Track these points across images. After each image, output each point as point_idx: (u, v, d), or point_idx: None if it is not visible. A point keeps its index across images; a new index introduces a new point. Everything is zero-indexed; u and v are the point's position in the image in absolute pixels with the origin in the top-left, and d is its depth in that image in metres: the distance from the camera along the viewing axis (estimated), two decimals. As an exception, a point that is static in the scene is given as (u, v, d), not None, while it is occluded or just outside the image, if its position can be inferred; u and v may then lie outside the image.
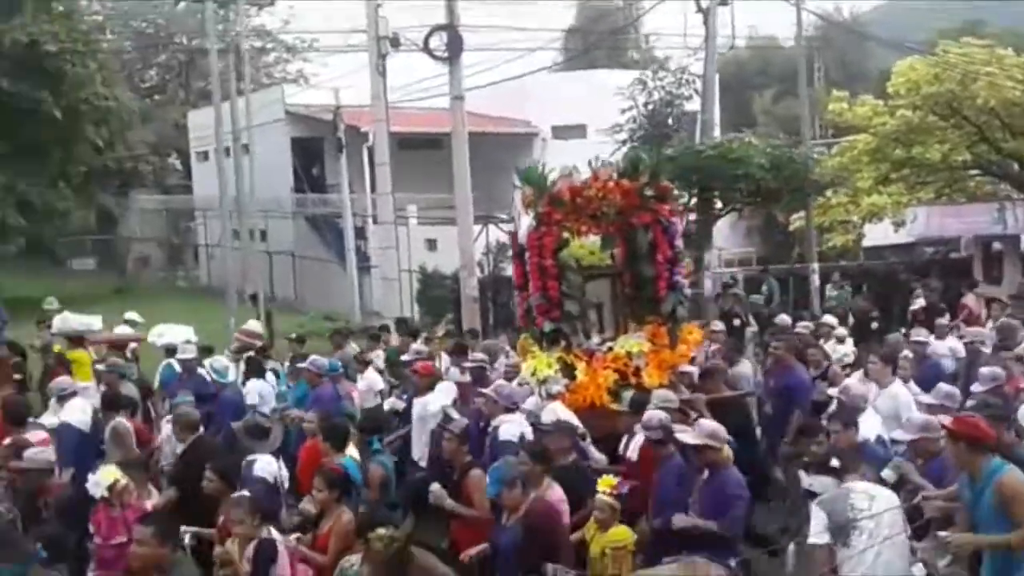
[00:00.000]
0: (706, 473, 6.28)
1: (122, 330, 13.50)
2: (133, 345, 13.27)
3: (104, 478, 6.46)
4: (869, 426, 7.14)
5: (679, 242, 9.06)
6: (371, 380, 10.80)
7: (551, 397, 7.98)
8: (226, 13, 24.14)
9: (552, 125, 28.33)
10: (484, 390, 8.34)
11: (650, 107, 18.34)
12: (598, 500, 6.15)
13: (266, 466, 7.21)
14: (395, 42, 18.69)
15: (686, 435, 6.44)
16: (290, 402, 10.20)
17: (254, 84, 29.76)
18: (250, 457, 7.26)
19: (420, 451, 8.79)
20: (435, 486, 6.75)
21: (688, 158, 17.26)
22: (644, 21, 37.09)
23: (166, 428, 8.76)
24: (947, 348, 10.85)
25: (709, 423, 6.49)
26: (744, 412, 8.56)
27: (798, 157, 18.28)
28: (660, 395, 7.59)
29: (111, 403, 9.00)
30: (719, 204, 18.57)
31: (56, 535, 6.44)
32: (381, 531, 5.28)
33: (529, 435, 7.50)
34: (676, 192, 9.38)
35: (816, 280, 20.43)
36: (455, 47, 18.18)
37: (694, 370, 8.94)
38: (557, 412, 7.61)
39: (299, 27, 36.20)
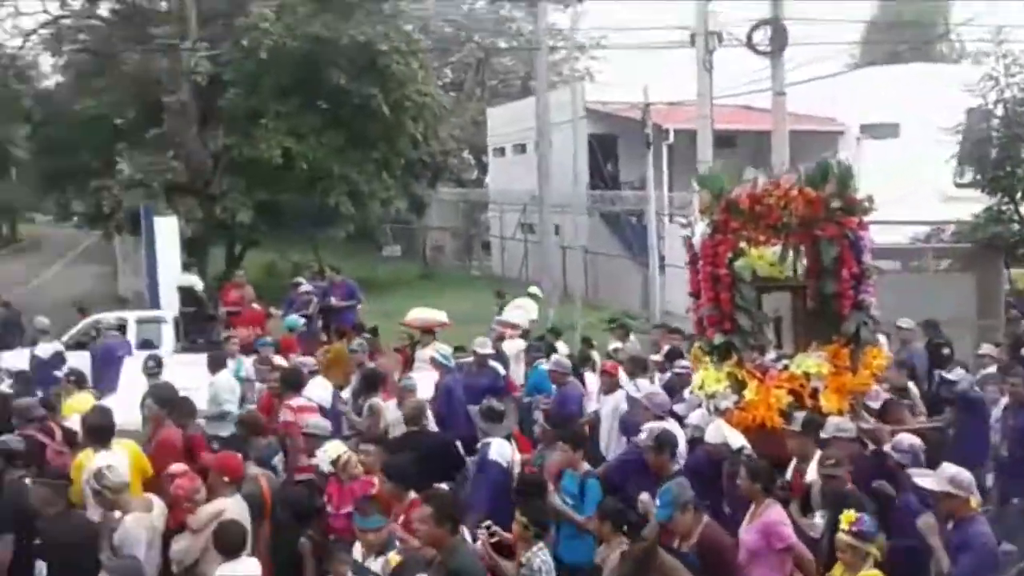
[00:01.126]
0: (950, 524, 5.67)
1: (522, 301, 14.36)
2: None
3: (330, 453, 6.85)
4: None
5: (867, 257, 8.35)
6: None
7: (719, 413, 7.71)
8: (537, 12, 24.83)
9: (861, 123, 26.91)
10: (635, 395, 8.29)
11: (1002, 106, 16.87)
12: (838, 539, 5.56)
13: (500, 449, 7.37)
14: (720, 38, 18.51)
15: (926, 480, 5.82)
16: (526, 390, 10.67)
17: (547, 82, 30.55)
18: (485, 440, 7.46)
19: (606, 445, 8.94)
20: (644, 496, 6.53)
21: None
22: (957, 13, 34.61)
23: (392, 413, 9.00)
24: None
25: (952, 467, 5.79)
26: (936, 447, 7.73)
27: None
28: (836, 423, 7.15)
29: (368, 383, 9.56)
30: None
31: (301, 500, 6.91)
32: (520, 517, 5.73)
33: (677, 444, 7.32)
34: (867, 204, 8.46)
35: None
36: (779, 41, 17.75)
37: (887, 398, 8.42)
38: (723, 429, 7.31)
39: (588, 25, 36.67)
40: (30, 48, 27.41)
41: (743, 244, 8.50)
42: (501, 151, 34.32)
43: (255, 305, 15.20)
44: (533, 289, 15.23)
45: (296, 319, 14.06)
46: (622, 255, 26.76)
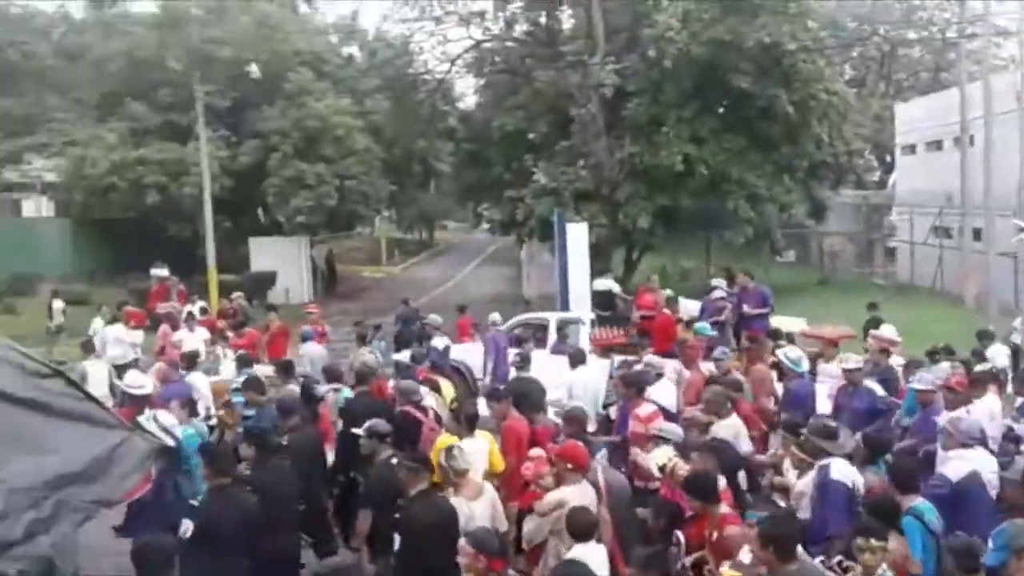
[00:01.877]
0: None
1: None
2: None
3: (657, 459, 7.11)
4: None
5: None
6: None
7: None
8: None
9: None
10: (939, 420, 7.67)
11: None
12: None
13: (842, 468, 6.91)
14: None
15: None
16: (901, 411, 9.51)
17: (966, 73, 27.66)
18: (825, 460, 6.99)
19: None
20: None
21: None
22: None
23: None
24: None
25: None
26: None
27: None
28: None
29: (629, 385, 9.15)
30: None
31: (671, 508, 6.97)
32: (861, 541, 5.44)
33: (977, 476, 6.59)
34: None
35: None
36: None
37: None
38: None
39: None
40: (455, 72, 30.40)
41: None
42: (911, 149, 31.76)
43: (666, 310, 15.32)
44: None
45: (705, 325, 13.95)
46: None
